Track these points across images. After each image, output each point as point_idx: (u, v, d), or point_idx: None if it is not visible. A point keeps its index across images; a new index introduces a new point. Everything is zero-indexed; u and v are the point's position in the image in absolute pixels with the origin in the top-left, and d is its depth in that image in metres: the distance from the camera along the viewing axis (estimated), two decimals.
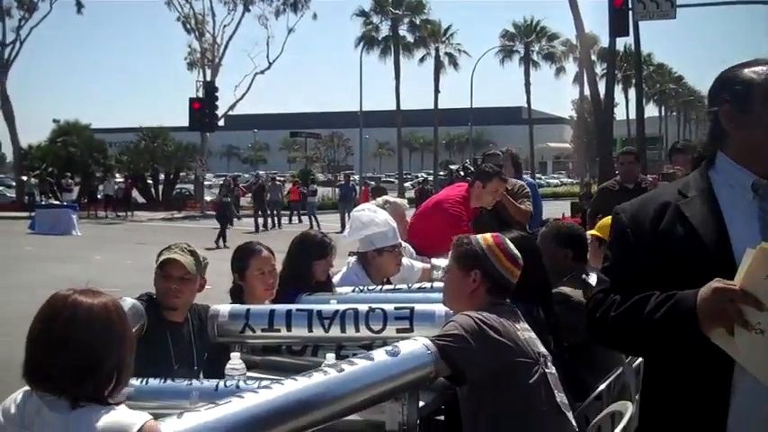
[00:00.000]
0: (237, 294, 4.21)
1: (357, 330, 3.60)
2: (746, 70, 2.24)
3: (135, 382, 2.86)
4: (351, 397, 2.71)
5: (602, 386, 3.87)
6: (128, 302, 3.50)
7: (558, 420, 3.08)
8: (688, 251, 2.18)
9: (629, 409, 3.23)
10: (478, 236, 3.37)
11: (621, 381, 4.12)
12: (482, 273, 3.22)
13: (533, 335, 3.21)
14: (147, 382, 3.06)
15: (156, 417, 2.24)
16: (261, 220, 29.89)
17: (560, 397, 3.10)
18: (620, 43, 40.42)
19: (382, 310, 3.61)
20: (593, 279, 4.36)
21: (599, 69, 53.61)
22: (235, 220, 31.21)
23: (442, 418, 3.79)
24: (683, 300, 2.10)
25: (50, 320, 2.19)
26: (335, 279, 4.90)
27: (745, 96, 2.20)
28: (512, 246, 3.32)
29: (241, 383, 3.05)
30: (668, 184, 2.86)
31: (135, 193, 38.81)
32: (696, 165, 2.38)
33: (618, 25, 24.52)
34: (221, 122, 45.10)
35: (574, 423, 3.16)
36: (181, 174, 44.10)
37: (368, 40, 58.84)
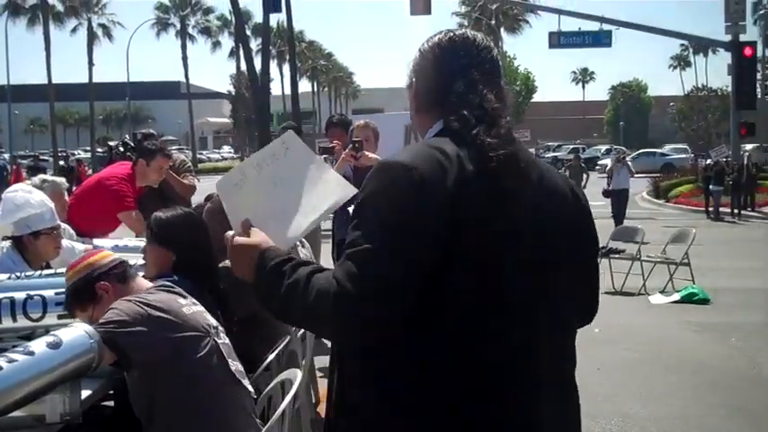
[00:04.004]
0: None
1: (15, 320, 3.39)
2: None
3: None
4: (6, 396, 2.51)
5: (271, 356, 3.97)
6: None
7: (234, 389, 3.13)
8: None
9: (297, 376, 3.33)
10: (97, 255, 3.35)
11: (289, 349, 4.26)
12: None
13: (200, 308, 3.23)
14: None
15: None
16: None
17: (235, 365, 3.16)
18: (274, 20, 41.20)
19: (41, 296, 3.43)
20: None
21: (254, 45, 54.26)
22: None
23: (112, 403, 3.71)
24: None
25: None
26: None
27: None
28: None
29: None
30: None
31: None
32: None
33: (271, 1, 25.22)
34: None
35: (251, 388, 3.24)
36: None
37: (13, 8, 54.93)
